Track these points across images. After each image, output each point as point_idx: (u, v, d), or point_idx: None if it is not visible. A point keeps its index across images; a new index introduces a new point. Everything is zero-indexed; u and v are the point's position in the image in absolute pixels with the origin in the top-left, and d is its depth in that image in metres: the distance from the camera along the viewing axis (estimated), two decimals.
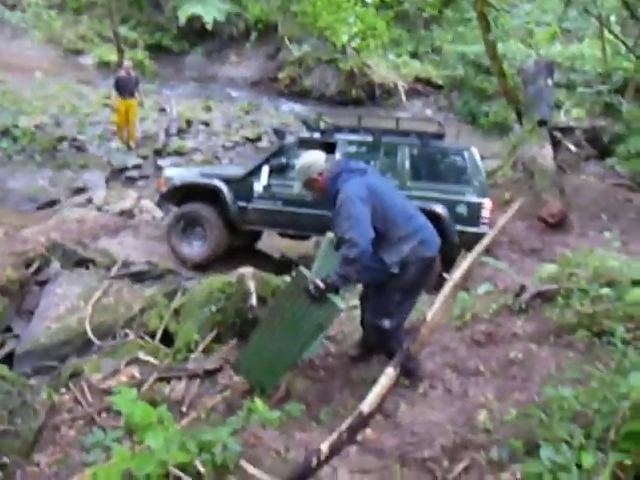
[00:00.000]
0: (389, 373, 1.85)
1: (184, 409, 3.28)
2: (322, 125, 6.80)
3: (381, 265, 3.19)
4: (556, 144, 8.82)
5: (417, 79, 16.36)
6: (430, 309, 1.90)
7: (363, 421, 1.93)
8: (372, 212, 3.10)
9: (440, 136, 6.36)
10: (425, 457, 2.64)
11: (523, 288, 3.95)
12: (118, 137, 10.92)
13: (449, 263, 6.22)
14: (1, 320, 5.10)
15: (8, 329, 5.10)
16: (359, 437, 2.55)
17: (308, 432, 2.90)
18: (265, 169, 6.38)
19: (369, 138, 6.30)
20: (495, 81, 12.22)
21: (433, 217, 5.90)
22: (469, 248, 6.20)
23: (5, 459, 2.68)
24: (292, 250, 7.37)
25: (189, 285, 5.59)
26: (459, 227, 5.91)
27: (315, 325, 3.20)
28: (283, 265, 6.29)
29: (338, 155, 6.19)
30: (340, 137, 6.35)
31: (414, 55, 17.56)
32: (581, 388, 2.50)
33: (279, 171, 6.38)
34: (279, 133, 6.78)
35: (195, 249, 6.64)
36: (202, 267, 6.54)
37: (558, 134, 9.16)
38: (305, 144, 6.25)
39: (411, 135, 6.32)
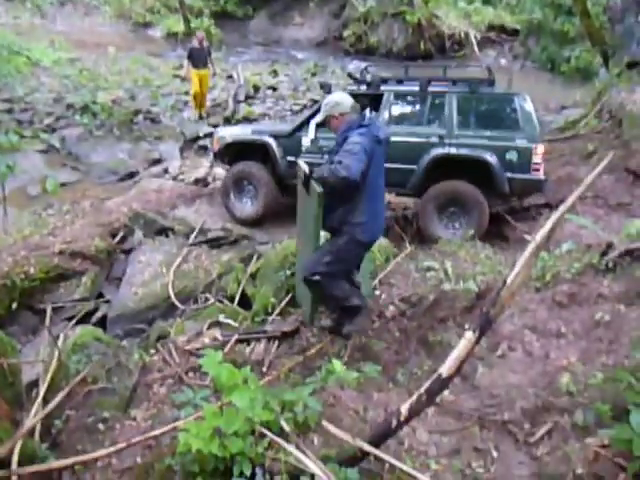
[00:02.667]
0: (468, 337, 1.83)
1: (264, 369, 3.41)
2: (368, 78, 6.64)
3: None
4: None
5: (490, 27, 15.53)
6: (510, 270, 1.83)
7: (442, 384, 1.93)
8: None
9: (490, 82, 6.10)
10: (505, 419, 2.61)
11: (610, 246, 3.71)
12: (194, 107, 11.12)
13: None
14: (93, 287, 5.49)
15: (99, 295, 5.49)
16: (437, 399, 2.55)
17: (385, 392, 2.93)
18: (312, 123, 6.33)
19: (416, 88, 6.13)
20: (578, 22, 11.35)
21: (481, 165, 5.76)
22: (520, 195, 5.96)
23: (106, 414, 2.92)
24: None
25: (264, 250, 5.74)
26: (509, 174, 5.71)
27: (312, 217, 3.45)
28: None
29: (385, 106, 6.10)
30: (386, 88, 6.23)
31: (487, 1, 16.58)
32: None
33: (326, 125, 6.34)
34: (325, 87, 6.64)
35: (246, 207, 6.74)
36: (254, 224, 6.64)
37: None
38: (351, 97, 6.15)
39: (459, 83, 6.09)
